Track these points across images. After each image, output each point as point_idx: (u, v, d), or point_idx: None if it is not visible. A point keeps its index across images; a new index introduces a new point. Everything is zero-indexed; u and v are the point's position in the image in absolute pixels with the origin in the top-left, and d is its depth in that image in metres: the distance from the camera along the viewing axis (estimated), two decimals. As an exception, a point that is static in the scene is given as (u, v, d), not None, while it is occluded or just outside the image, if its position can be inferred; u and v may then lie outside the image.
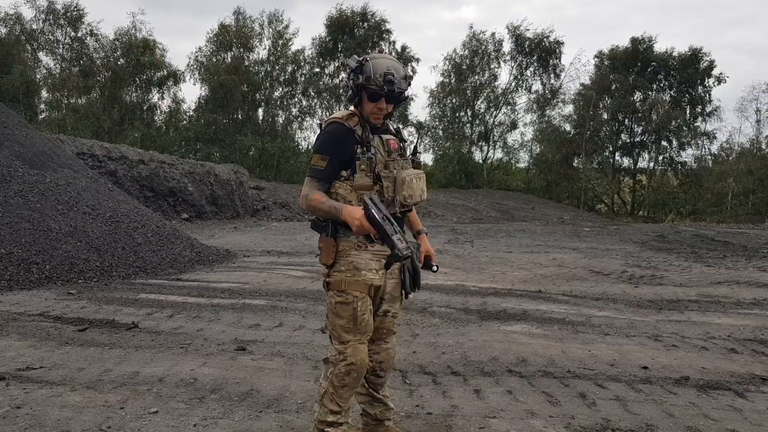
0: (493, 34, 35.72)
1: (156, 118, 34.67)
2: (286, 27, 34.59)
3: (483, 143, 36.58)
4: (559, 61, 35.40)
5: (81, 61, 32.32)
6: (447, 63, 35.94)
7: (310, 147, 35.49)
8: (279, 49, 34.47)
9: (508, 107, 36.56)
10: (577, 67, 65.18)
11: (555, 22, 75.24)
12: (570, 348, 4.88)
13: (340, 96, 33.97)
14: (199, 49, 38.09)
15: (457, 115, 36.47)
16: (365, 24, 34.60)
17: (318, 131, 2.83)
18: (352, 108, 2.79)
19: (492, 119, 36.57)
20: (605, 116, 35.63)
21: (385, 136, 2.80)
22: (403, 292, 2.85)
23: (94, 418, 3.25)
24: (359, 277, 2.69)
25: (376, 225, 2.53)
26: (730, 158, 33.76)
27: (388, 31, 34.94)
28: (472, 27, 49.86)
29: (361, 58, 2.71)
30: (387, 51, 34.24)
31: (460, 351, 4.74)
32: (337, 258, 2.72)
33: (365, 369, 2.76)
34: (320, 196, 2.68)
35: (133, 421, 3.24)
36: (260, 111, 35.53)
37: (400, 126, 3.00)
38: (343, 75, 3.04)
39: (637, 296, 7.48)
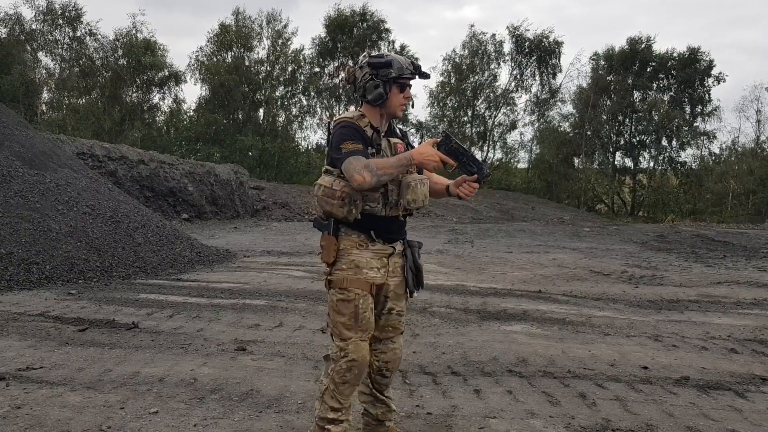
0: (493, 35, 35.76)
1: (157, 118, 34.69)
2: (285, 26, 34.62)
3: (483, 143, 36.56)
4: (559, 60, 35.45)
5: (81, 61, 32.31)
6: (446, 63, 35.96)
7: (310, 147, 35.54)
8: (278, 48, 34.46)
9: (508, 107, 36.60)
10: (578, 67, 65.27)
11: (557, 22, 75.24)
12: (570, 348, 4.88)
13: (339, 96, 33.95)
14: (200, 48, 38.14)
15: (456, 115, 36.46)
16: (364, 24, 34.59)
17: (329, 130, 2.82)
18: (360, 110, 2.80)
19: (492, 119, 36.59)
20: (604, 117, 35.63)
21: (392, 140, 2.82)
22: (408, 290, 2.88)
23: (94, 418, 3.25)
24: (361, 275, 2.71)
25: (458, 152, 2.61)
26: (732, 158, 33.75)
27: (387, 31, 34.96)
28: (473, 26, 49.81)
29: (378, 55, 2.74)
30: (386, 50, 34.30)
31: (460, 351, 4.74)
32: (338, 256, 2.73)
33: (366, 366, 2.77)
34: (377, 159, 2.65)
35: (133, 421, 3.24)
36: (261, 111, 35.53)
37: (405, 129, 3.01)
38: (359, 76, 2.97)
39: (637, 296, 7.48)
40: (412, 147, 2.90)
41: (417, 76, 2.77)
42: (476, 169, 2.68)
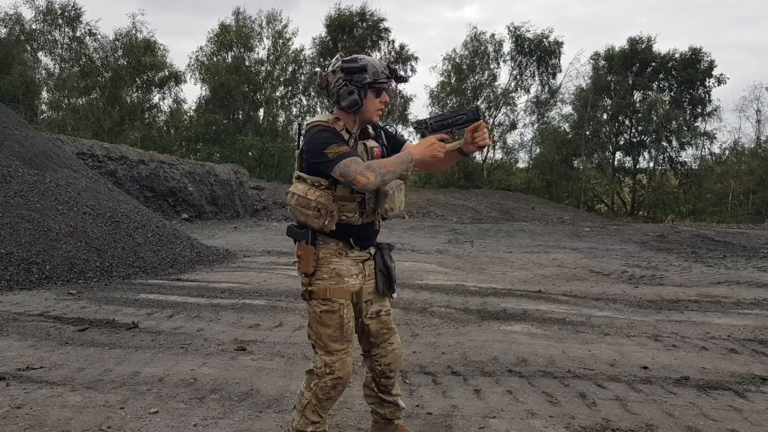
0: (493, 35, 35.78)
1: (157, 118, 34.70)
2: (285, 26, 34.66)
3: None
4: (559, 61, 35.47)
5: (81, 61, 32.32)
6: (446, 63, 35.97)
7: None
8: (279, 48, 34.50)
9: (508, 107, 36.61)
10: (577, 67, 65.29)
11: (558, 22, 75.02)
12: (570, 348, 4.88)
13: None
14: (200, 48, 38.18)
15: (456, 114, 36.42)
16: (363, 24, 34.61)
17: (299, 133, 2.73)
18: (335, 113, 2.68)
19: (492, 119, 36.57)
20: (604, 117, 35.62)
21: (369, 144, 2.71)
22: (388, 292, 2.83)
23: (94, 418, 3.25)
24: (343, 284, 2.63)
25: (443, 122, 2.62)
26: (732, 158, 33.74)
27: (387, 30, 34.96)
28: (475, 27, 49.81)
29: (351, 59, 2.63)
30: (386, 50, 34.34)
31: (460, 351, 4.74)
32: (318, 266, 2.63)
33: (349, 380, 2.72)
34: (377, 159, 2.57)
35: (133, 421, 3.24)
36: (261, 111, 35.56)
37: (390, 127, 2.90)
38: (332, 81, 2.70)
39: (637, 296, 7.48)
40: (395, 140, 2.80)
41: (393, 80, 2.65)
42: (467, 116, 2.64)
